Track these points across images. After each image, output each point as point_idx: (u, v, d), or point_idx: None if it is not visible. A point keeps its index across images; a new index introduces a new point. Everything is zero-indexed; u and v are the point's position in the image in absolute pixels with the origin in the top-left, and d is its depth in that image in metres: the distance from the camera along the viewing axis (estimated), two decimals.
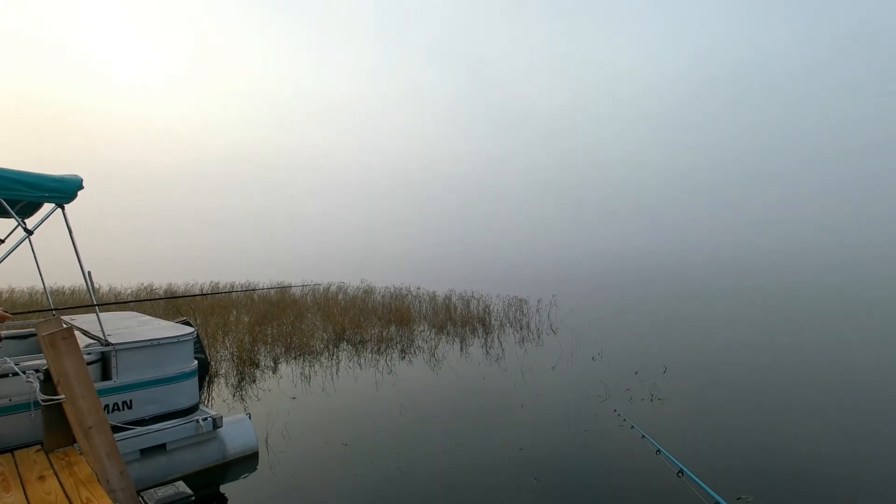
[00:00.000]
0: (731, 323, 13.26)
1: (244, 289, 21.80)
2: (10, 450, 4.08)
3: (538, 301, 15.39)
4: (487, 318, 13.69)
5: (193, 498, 1.80)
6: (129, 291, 19.49)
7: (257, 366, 10.15)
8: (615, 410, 6.78)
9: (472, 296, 16.06)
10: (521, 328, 12.93)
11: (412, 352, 10.97)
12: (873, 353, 10.05)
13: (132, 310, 10.50)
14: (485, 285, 18.28)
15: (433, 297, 16.57)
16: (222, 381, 9.08)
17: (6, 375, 4.23)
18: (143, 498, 1.78)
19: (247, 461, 5.55)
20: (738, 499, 4.51)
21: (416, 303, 16.37)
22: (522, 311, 14.68)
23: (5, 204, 4.34)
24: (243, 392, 8.54)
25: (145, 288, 19.96)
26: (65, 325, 4.06)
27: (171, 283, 21.47)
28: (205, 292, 19.88)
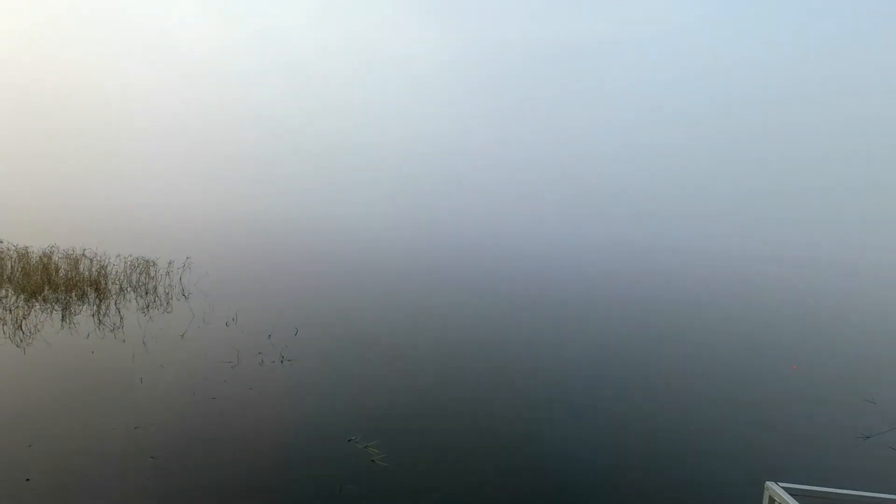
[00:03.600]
0: (365, 293, 14.95)
1: None
2: None
3: (169, 263, 14.03)
4: (103, 282, 11.73)
5: None
6: None
7: None
8: (232, 365, 6.91)
9: (84, 255, 13.47)
10: (146, 293, 11.59)
11: None
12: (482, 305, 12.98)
13: None
14: (101, 243, 15.49)
15: (24, 255, 13.18)
16: None
17: None
18: None
19: None
20: (349, 440, 5.28)
21: None
22: (149, 275, 13.14)
23: None
24: None
25: None
26: None
27: None
28: None
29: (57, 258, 12.94)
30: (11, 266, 12.44)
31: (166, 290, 11.86)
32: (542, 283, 17.31)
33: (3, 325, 8.61)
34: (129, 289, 11.77)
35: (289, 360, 7.69)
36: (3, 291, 10.66)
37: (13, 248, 13.84)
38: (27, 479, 4.25)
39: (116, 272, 12.70)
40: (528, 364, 8.49)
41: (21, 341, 7.89)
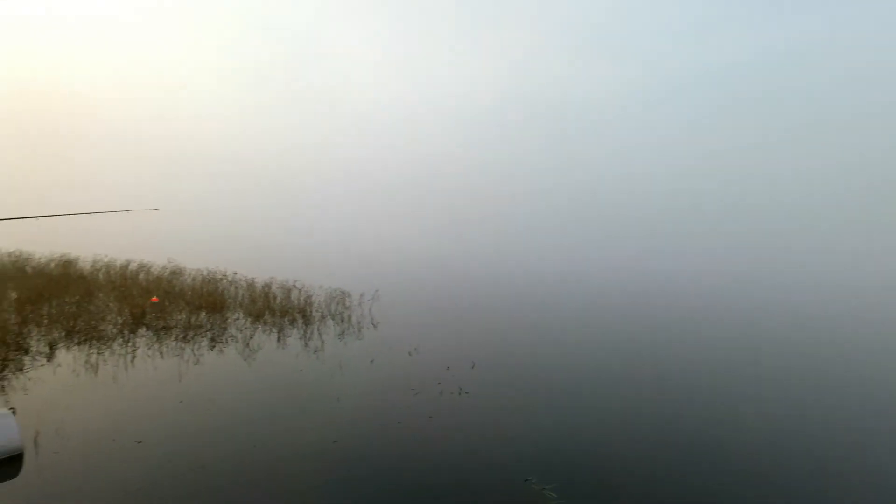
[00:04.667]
0: (546, 330, 14.87)
1: (12, 258, 18.25)
2: None
3: (361, 295, 15.53)
4: (308, 309, 13.41)
5: None
6: None
7: (27, 352, 8.64)
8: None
9: (294, 285, 15.59)
10: (342, 321, 12.93)
11: (223, 341, 10.30)
12: (665, 348, 12.14)
13: None
14: (307, 275, 17.83)
15: (251, 285, 15.70)
16: None
17: None
18: None
19: (7, 465, 4.74)
20: (525, 480, 5.16)
21: (232, 289, 15.35)
22: (345, 304, 14.68)
23: None
24: (5, 383, 7.22)
25: None
26: None
27: None
28: None
29: (275, 288, 15.16)
30: (241, 294, 14.89)
31: (358, 320, 13.09)
32: (739, 317, 15.40)
33: (235, 342, 10.27)
34: (328, 317, 13.24)
35: (466, 393, 7.86)
36: (236, 315, 12.75)
37: (243, 279, 16.57)
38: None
39: (319, 301, 14.42)
40: (723, 412, 7.50)
41: (247, 357, 9.32)
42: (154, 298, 12.93)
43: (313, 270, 22.61)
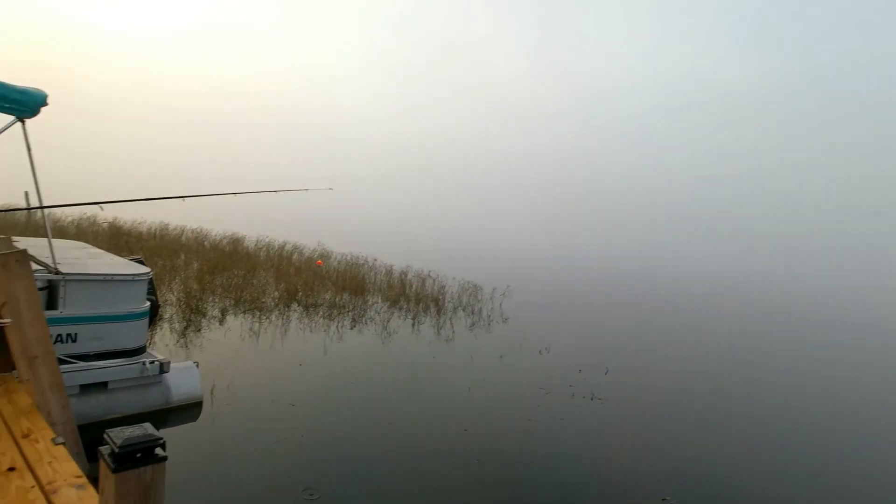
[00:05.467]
0: (683, 337, 13.85)
1: (195, 234, 21.08)
2: None
3: (493, 289, 15.59)
4: (441, 299, 13.78)
5: (162, 441, 1.76)
6: (70, 219, 18.47)
7: (204, 315, 9.90)
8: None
9: (429, 275, 16.09)
10: (472, 313, 13.09)
11: (363, 322, 10.95)
12: (812, 360, 10.76)
13: (81, 240, 9.99)
14: (442, 266, 18.32)
15: (389, 271, 16.51)
16: (166, 325, 8.82)
17: None
18: (109, 436, 1.72)
19: (190, 410, 5.45)
20: (662, 500, 4.78)
21: (372, 274, 16.28)
22: (476, 297, 14.85)
23: None
24: (188, 340, 8.33)
25: (87, 218, 18.94)
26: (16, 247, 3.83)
27: (116, 217, 20.43)
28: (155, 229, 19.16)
29: (411, 276, 15.80)
30: (379, 279, 15.74)
31: (489, 314, 13.16)
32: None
33: (373, 323, 10.87)
34: (460, 308, 13.49)
35: (598, 399, 7.51)
36: (375, 298, 13.49)
37: (383, 265, 17.49)
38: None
39: (451, 292, 14.74)
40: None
41: (385, 339, 9.81)
42: (318, 262, 14.15)
43: (449, 262, 23.26)
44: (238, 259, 16.21)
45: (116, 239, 15.65)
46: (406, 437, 5.58)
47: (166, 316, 9.31)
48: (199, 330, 8.93)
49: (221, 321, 9.67)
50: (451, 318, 12.15)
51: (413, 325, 11.21)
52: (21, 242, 6.14)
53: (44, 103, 4.43)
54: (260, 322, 9.88)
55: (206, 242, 19.25)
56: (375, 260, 18.11)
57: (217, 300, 11.10)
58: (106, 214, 20.35)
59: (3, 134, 4.34)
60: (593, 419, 6.75)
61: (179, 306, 10.01)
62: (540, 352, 9.86)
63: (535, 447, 5.68)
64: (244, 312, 10.45)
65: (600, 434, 6.30)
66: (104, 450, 1.71)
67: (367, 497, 4.30)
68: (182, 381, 5.44)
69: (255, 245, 19.35)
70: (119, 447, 1.65)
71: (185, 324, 9.09)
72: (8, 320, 3.49)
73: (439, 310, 12.91)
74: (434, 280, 15.64)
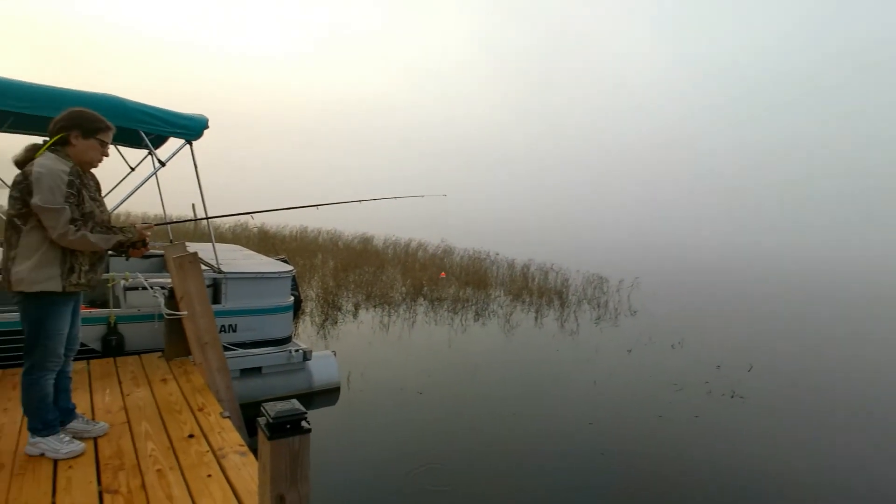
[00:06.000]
0: (836, 331, 12.30)
1: (330, 235, 22.83)
2: (137, 353, 4.65)
3: (620, 281, 14.98)
4: (565, 292, 13.54)
5: (307, 414, 2.01)
6: (227, 227, 20.95)
7: (339, 309, 10.72)
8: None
9: (552, 268, 15.89)
10: (598, 306, 12.70)
11: (486, 315, 11.13)
12: None
13: (234, 243, 11.39)
14: (565, 258, 18.01)
15: (511, 265, 16.58)
16: (307, 318, 9.71)
17: (136, 289, 4.78)
18: (265, 409, 2.00)
19: (329, 394, 5.99)
20: None
21: (494, 268, 16.46)
22: (602, 290, 14.37)
23: (144, 136, 4.80)
24: (326, 331, 9.09)
25: (241, 225, 21.33)
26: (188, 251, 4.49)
27: (263, 223, 22.76)
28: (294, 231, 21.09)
29: (533, 269, 15.72)
30: (502, 273, 15.86)
31: (615, 306, 12.68)
32: None
33: (496, 317, 11.01)
34: (584, 301, 13.15)
35: (740, 397, 6.93)
36: (497, 292, 13.63)
37: (504, 259, 17.60)
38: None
39: (576, 285, 14.42)
40: None
41: (508, 331, 9.90)
42: (442, 273, 14.73)
43: (572, 254, 22.76)
44: (368, 257, 17.30)
45: (264, 242, 17.49)
46: (528, 427, 5.62)
47: (307, 310, 10.25)
48: (335, 322, 9.69)
49: (354, 314, 10.41)
50: (575, 312, 11.90)
51: (536, 318, 11.16)
52: (191, 247, 7.16)
53: (206, 126, 5.13)
54: (389, 315, 10.48)
55: (339, 242, 20.78)
56: (497, 254, 18.28)
57: (350, 295, 11.96)
58: (255, 222, 22.80)
59: (175, 156, 5.10)
60: (733, 419, 6.26)
61: (318, 301, 10.96)
62: (672, 346, 9.32)
63: (666, 445, 5.41)
64: (374, 306, 11.15)
65: (742, 434, 5.82)
66: (261, 420, 1.99)
67: (489, 484, 4.42)
68: (322, 368, 5.97)
69: (384, 243, 20.48)
70: (272, 418, 1.91)
71: (323, 317, 9.94)
72: (184, 312, 4.12)
73: (563, 303, 12.71)
74: (557, 273, 15.42)
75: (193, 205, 5.29)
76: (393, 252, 18.98)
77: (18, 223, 2.66)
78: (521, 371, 7.70)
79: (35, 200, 2.58)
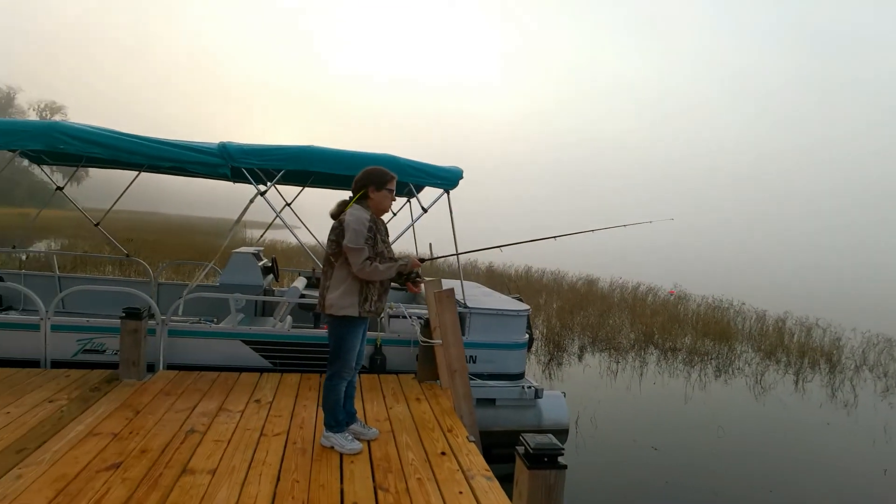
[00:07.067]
0: None
1: (553, 275, 23.01)
2: (395, 372, 5.36)
3: None
4: (836, 354, 11.26)
5: (563, 451, 2.10)
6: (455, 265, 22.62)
7: (564, 350, 10.69)
8: None
9: (816, 324, 13.43)
10: (884, 375, 10.27)
11: (730, 372, 9.89)
12: None
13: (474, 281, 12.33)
14: (835, 314, 15.01)
15: (761, 317, 14.48)
16: (532, 358, 9.89)
17: (398, 317, 5.55)
18: (524, 439, 2.16)
19: (557, 435, 5.95)
20: None
21: (739, 319, 14.58)
22: (892, 356, 11.58)
23: (412, 187, 5.63)
24: (551, 371, 9.16)
25: (471, 263, 22.84)
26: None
27: (491, 262, 24.01)
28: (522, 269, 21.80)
29: (790, 324, 13.48)
30: (749, 325, 13.94)
31: None
32: None
33: (743, 375, 9.70)
34: (864, 367, 10.76)
35: None
36: (744, 347, 12.02)
37: (752, 309, 15.47)
38: None
39: (851, 346, 11.91)
40: None
41: (758, 394, 8.64)
42: (671, 291, 13.72)
43: (845, 308, 18.89)
44: (593, 299, 16.93)
45: (491, 280, 18.47)
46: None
47: (532, 349, 10.47)
48: (560, 364, 9.69)
49: (580, 357, 10.27)
50: (851, 379, 9.82)
51: (796, 382, 9.52)
52: (444, 283, 8.00)
53: (461, 177, 5.78)
54: (617, 362, 10.06)
55: (563, 283, 20.81)
56: (743, 304, 16.18)
57: (575, 337, 11.84)
58: (483, 259, 24.24)
59: (435, 203, 5.84)
60: None
61: (543, 341, 11.10)
62: None
63: None
64: (600, 351, 10.84)
65: None
66: (520, 449, 2.16)
67: None
68: (552, 407, 6.01)
69: (609, 286, 19.85)
70: (533, 449, 2.06)
71: (548, 356, 10.03)
72: (438, 341, 4.64)
73: (832, 367, 10.60)
74: (824, 330, 12.97)
75: (431, 244, 5.91)
76: (619, 295, 18.24)
77: (333, 260, 3.41)
78: (775, 440, 6.63)
79: (345, 242, 3.28)
